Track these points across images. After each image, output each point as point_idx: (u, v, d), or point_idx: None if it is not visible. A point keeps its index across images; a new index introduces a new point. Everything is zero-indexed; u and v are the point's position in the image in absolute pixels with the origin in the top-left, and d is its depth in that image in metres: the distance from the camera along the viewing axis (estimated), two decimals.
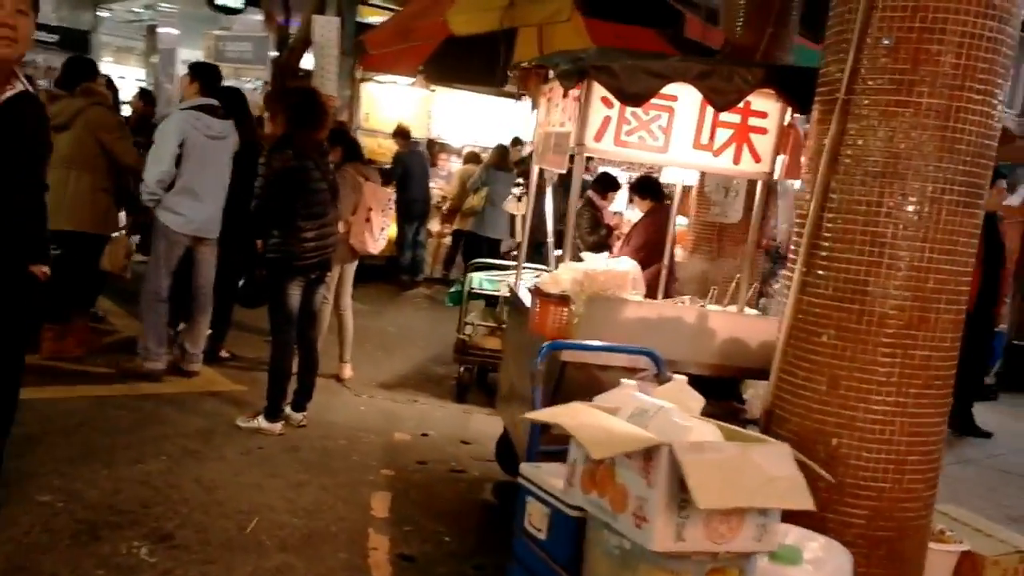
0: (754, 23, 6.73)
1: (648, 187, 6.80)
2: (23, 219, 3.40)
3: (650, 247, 6.35)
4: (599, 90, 3.66)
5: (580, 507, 2.44)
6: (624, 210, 8.03)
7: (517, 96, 11.31)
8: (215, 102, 5.81)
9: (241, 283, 5.96)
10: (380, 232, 6.31)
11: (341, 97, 11.22)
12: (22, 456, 4.17)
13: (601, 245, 7.48)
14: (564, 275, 3.70)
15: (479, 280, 6.51)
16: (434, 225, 11.36)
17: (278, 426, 5.15)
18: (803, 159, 3.34)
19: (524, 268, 6.32)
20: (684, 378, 2.94)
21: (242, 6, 12.47)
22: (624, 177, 8.43)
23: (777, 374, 3.22)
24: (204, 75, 5.98)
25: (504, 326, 6.50)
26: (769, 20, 6.82)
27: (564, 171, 4.14)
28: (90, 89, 5.99)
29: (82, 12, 17.59)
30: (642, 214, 6.85)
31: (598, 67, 3.43)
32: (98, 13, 18.12)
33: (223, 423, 5.16)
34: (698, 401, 2.83)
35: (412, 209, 10.49)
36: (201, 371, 6.08)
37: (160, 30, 15.42)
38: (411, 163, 10.28)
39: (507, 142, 11.98)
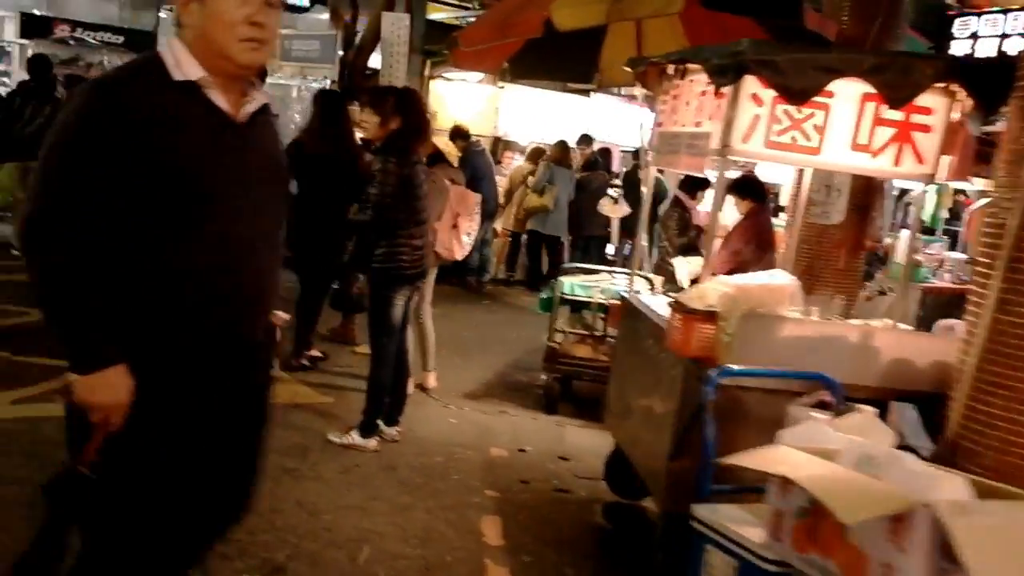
0: (862, 11, 6.34)
1: (749, 187, 6.40)
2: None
3: (750, 251, 5.99)
4: (749, 86, 3.33)
5: (786, 564, 2.12)
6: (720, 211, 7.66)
7: (587, 92, 11.01)
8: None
9: (335, 288, 5.72)
10: (467, 238, 6.04)
11: None
12: None
13: (690, 247, 7.13)
14: (710, 289, 3.36)
15: (570, 285, 6.20)
16: (499, 224, 11.10)
17: (373, 442, 4.89)
18: (997, 162, 2.97)
19: (619, 273, 6.03)
20: (872, 410, 2.60)
21: (308, 4, 12.31)
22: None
23: (965, 402, 2.86)
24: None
25: (598, 334, 6.21)
26: (880, 8, 6.42)
27: (703, 174, 3.80)
28: None
29: (144, 13, 17.57)
30: (741, 216, 6.46)
31: (761, 61, 3.10)
32: (160, 14, 18.09)
33: (316, 438, 4.91)
34: (889, 437, 2.49)
35: (482, 209, 10.22)
36: (283, 381, 5.85)
37: None
38: (478, 163, 10.01)
39: (573, 139, 11.72)
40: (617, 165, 13.26)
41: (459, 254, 5.97)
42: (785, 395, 3.18)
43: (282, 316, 2.46)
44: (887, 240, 7.55)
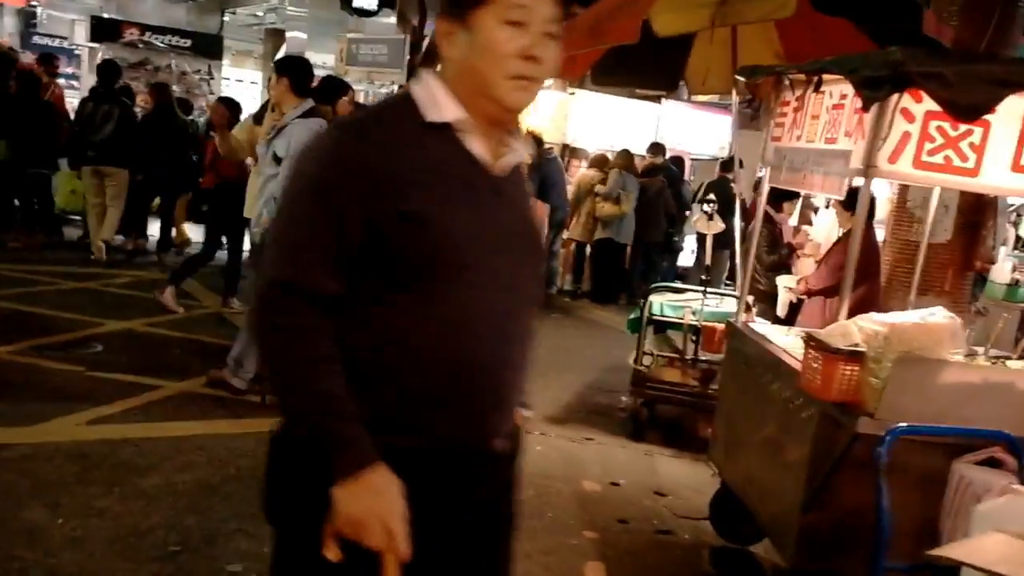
0: (974, 15, 5.92)
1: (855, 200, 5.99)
2: None
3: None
4: (900, 100, 2.99)
5: None
6: (810, 226, 7.28)
7: (658, 99, 10.62)
8: (312, 103, 5.14)
9: None
10: None
11: None
12: (200, 511, 3.75)
13: (781, 266, 6.76)
14: (854, 326, 3.03)
15: (660, 305, 5.88)
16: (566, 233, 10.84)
17: None
18: None
19: (712, 293, 5.70)
20: None
21: (376, 8, 12.14)
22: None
23: None
24: (302, 74, 5.21)
25: (688, 357, 5.88)
26: (993, 12, 6.01)
27: (842, 197, 3.46)
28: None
29: (209, 16, 17.64)
30: (842, 231, 6.05)
31: (925, 73, 2.76)
32: (223, 18, 18.16)
33: None
34: None
35: (552, 218, 9.96)
36: None
37: (289, 34, 15.28)
38: (548, 171, 9.75)
39: (642, 146, 11.40)
40: (688, 173, 12.90)
41: None
42: (944, 448, 2.85)
43: (526, 415, 1.96)
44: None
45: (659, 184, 10.80)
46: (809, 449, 3.17)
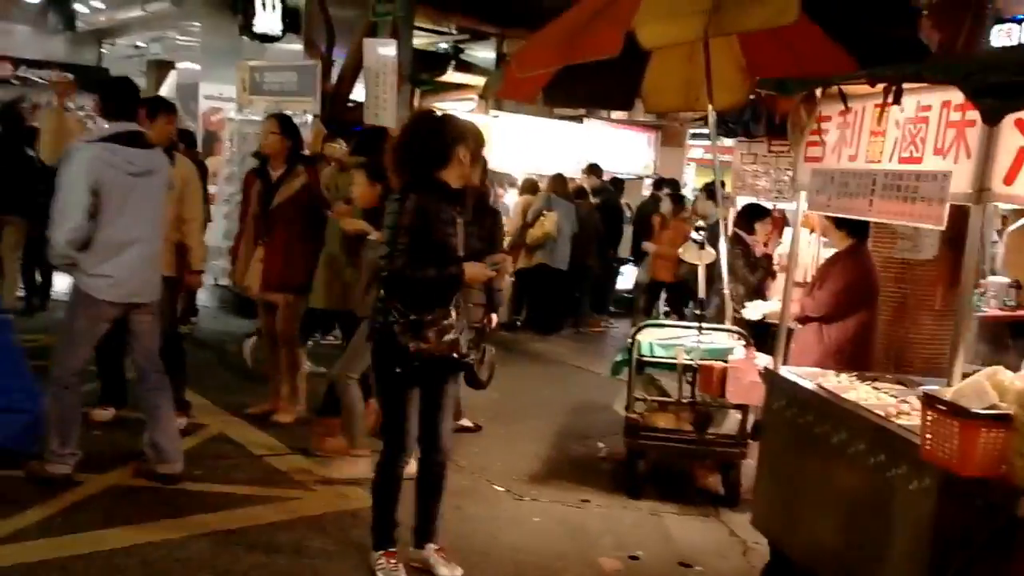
0: (947, 14, 5.64)
1: (850, 219, 5.50)
2: None
3: (852, 293, 5.14)
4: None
5: None
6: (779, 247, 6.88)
7: (580, 119, 10.16)
8: (135, 127, 4.52)
9: None
10: None
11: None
12: None
13: (757, 290, 6.31)
14: (991, 382, 2.52)
15: (649, 345, 5.32)
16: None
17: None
18: None
19: (708, 329, 5.22)
20: None
21: (280, 33, 11.33)
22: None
23: None
24: (115, 93, 4.62)
25: (686, 400, 5.33)
26: (967, 13, 5.74)
27: (942, 226, 2.96)
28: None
29: (87, 48, 16.38)
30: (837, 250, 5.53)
31: None
32: (102, 49, 16.92)
33: None
34: None
35: None
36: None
37: (180, 65, 14.24)
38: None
39: (566, 168, 10.96)
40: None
41: None
42: None
43: None
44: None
45: (588, 206, 10.40)
46: (930, 530, 2.64)
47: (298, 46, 12.13)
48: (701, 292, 5.19)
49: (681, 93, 6.52)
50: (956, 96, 2.72)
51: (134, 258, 4.42)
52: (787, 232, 7.63)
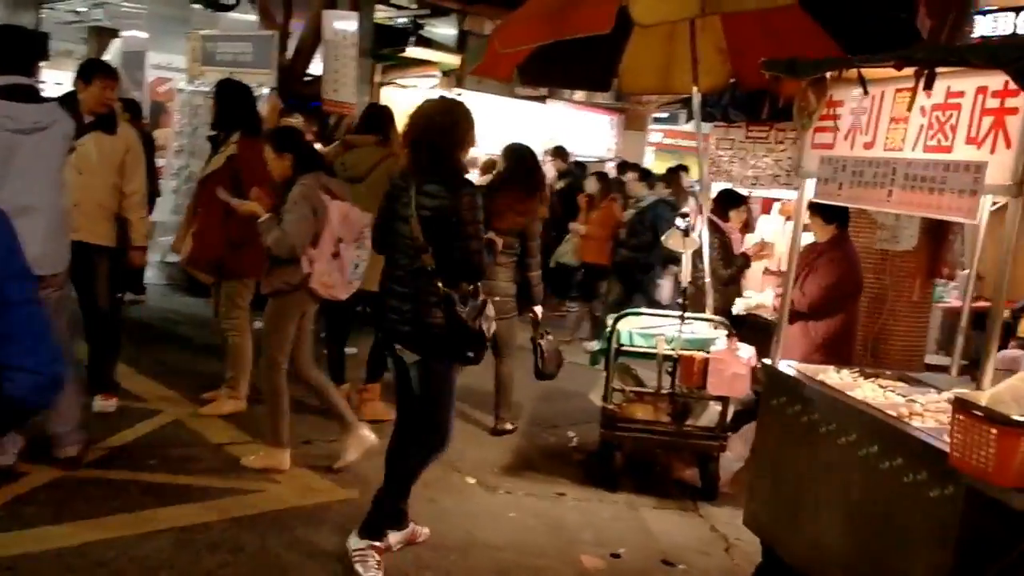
0: (937, 3, 5.54)
1: (834, 208, 5.31)
2: None
3: (841, 288, 5.02)
4: None
5: None
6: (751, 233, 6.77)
7: (543, 99, 9.95)
8: (21, 79, 4.03)
9: None
10: (355, 269, 4.78)
11: (359, 104, 9.76)
12: None
13: (731, 281, 6.19)
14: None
15: (628, 335, 5.15)
16: None
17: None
18: None
19: (679, 318, 5.07)
20: None
21: (235, 2, 10.89)
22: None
23: None
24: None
25: (665, 392, 5.17)
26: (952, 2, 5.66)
27: (974, 220, 2.81)
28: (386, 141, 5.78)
29: (22, 12, 15.58)
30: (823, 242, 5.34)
31: None
32: (40, 14, 16.13)
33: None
34: None
35: None
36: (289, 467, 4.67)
37: (125, 33, 13.63)
38: None
39: (538, 149, 10.72)
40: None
41: (343, 291, 4.70)
42: None
43: None
44: None
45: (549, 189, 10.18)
46: (954, 540, 2.51)
47: (252, 16, 11.71)
48: (685, 280, 5.02)
49: (659, 74, 6.35)
50: (994, 82, 2.58)
51: (30, 227, 3.68)
52: (762, 220, 7.56)
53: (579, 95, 12.79)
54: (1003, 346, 8.64)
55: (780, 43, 5.82)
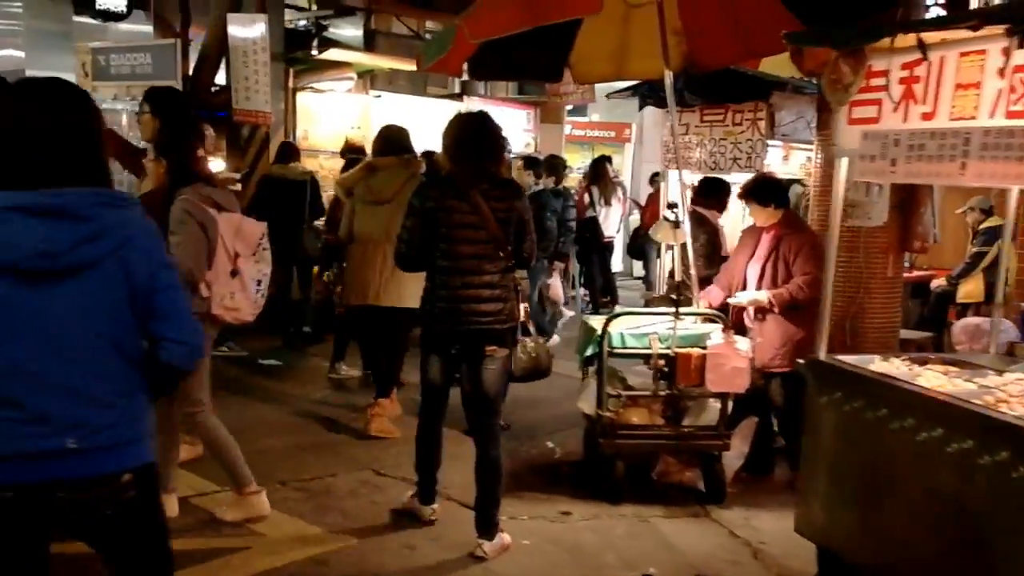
0: None
1: (770, 189, 5.15)
2: None
3: (824, 270, 4.85)
4: None
5: None
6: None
7: (460, 97, 9.62)
8: None
9: None
10: (258, 286, 4.16)
11: (275, 112, 9.20)
12: None
13: (709, 281, 5.92)
14: None
15: (620, 336, 4.86)
16: None
17: None
18: None
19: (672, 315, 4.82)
20: None
21: (126, 10, 10.11)
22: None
23: None
24: None
25: (663, 393, 4.89)
26: None
27: None
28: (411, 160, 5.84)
29: None
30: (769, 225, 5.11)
31: None
32: None
33: None
34: None
35: None
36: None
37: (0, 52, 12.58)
38: None
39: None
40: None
41: (250, 313, 4.16)
42: None
43: None
44: None
45: None
46: None
47: (144, 27, 10.93)
48: (678, 274, 4.75)
49: (612, 61, 6.09)
50: None
51: None
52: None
53: (498, 90, 12.51)
54: (939, 315, 8.80)
55: (737, 22, 5.66)
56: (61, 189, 2.03)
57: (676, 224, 4.79)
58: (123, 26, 11.58)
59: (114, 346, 2.10)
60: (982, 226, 8.40)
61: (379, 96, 10.29)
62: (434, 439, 4.28)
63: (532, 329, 4.46)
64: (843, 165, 3.39)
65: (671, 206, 5.04)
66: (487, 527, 4.03)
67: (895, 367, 3.23)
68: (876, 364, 3.29)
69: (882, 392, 3.04)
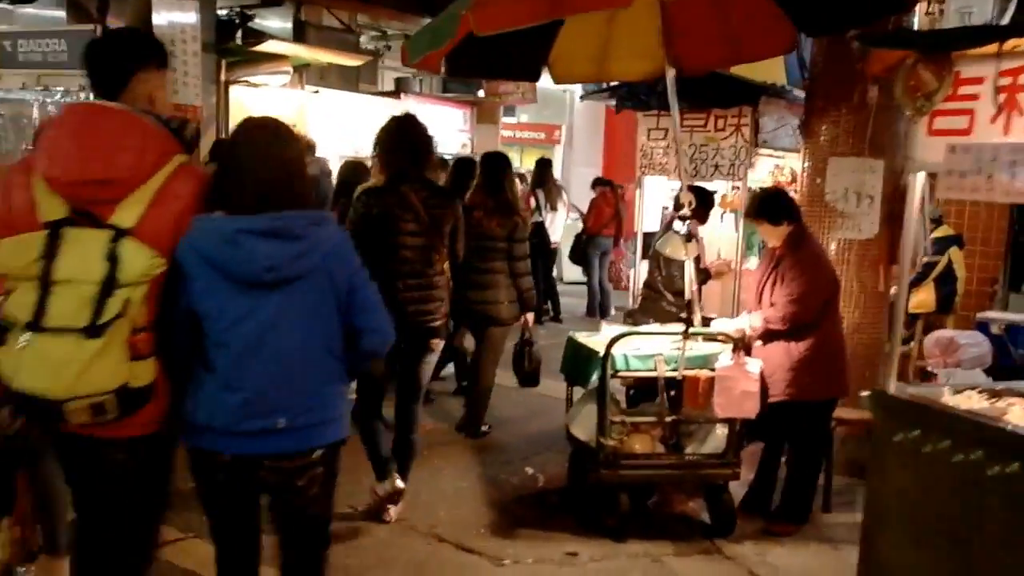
0: None
1: (781, 205, 4.61)
2: None
3: (817, 291, 4.54)
4: None
5: None
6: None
7: (397, 95, 9.19)
8: None
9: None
10: None
11: (206, 106, 8.52)
12: None
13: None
14: None
15: (623, 358, 4.50)
16: None
17: None
18: None
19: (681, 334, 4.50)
20: None
21: None
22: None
23: None
24: None
25: (670, 419, 4.54)
26: None
27: None
28: None
29: None
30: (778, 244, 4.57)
31: None
32: None
33: None
34: None
35: None
36: None
37: None
38: (327, 190, 7.86)
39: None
40: None
41: None
42: None
43: None
44: None
45: None
46: None
47: (55, 12, 10.05)
48: (688, 293, 4.40)
49: (593, 61, 5.71)
50: None
51: None
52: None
53: (434, 89, 12.05)
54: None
55: (723, 21, 5.38)
56: (279, 213, 2.39)
57: (689, 237, 4.44)
58: (31, 11, 10.66)
59: (319, 341, 2.49)
60: (932, 236, 8.40)
61: (316, 92, 9.69)
62: (379, 430, 4.41)
63: None
64: (919, 180, 3.11)
65: (682, 218, 4.68)
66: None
67: (972, 401, 2.96)
68: (948, 397, 3.01)
69: (974, 432, 2.75)
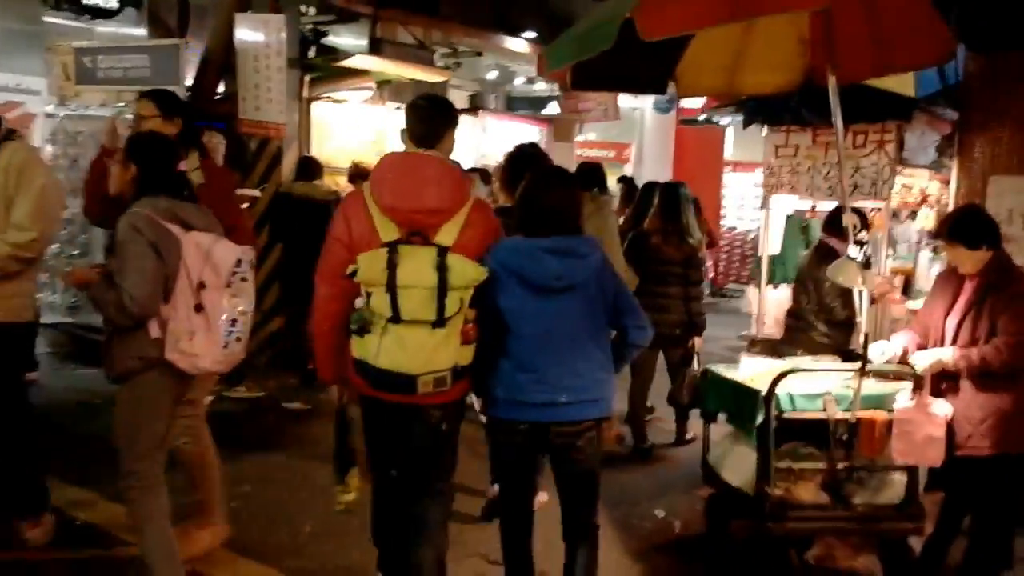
0: None
1: (981, 226, 3.92)
2: None
3: None
4: None
5: None
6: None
7: (476, 111, 8.77)
8: None
9: None
10: (232, 328, 3.26)
11: (290, 124, 8.24)
12: None
13: (848, 322, 5.10)
14: None
15: (788, 397, 4.05)
16: None
17: None
18: None
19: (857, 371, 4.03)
20: None
21: (117, 6, 9.04)
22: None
23: None
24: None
25: (841, 467, 4.07)
26: None
27: None
28: None
29: None
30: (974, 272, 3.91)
31: None
32: None
33: None
34: None
35: None
36: None
37: None
38: None
39: (466, 163, 9.54)
40: None
41: (213, 360, 3.26)
42: None
43: None
44: None
45: None
46: None
47: (129, 29, 9.88)
48: (864, 326, 3.94)
49: (724, 73, 5.29)
50: None
51: None
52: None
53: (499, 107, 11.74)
54: None
55: (875, 30, 4.94)
56: (564, 237, 3.14)
57: (867, 264, 3.98)
58: (106, 28, 10.53)
59: (589, 335, 3.17)
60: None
61: (399, 108, 9.38)
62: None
63: None
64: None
65: (859, 243, 4.23)
66: None
67: None
68: None
69: None
